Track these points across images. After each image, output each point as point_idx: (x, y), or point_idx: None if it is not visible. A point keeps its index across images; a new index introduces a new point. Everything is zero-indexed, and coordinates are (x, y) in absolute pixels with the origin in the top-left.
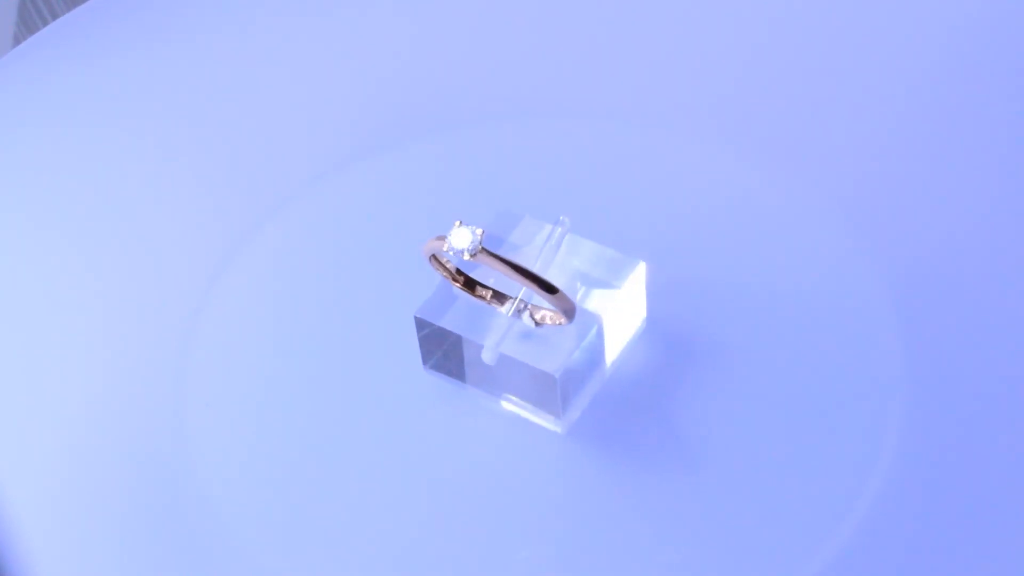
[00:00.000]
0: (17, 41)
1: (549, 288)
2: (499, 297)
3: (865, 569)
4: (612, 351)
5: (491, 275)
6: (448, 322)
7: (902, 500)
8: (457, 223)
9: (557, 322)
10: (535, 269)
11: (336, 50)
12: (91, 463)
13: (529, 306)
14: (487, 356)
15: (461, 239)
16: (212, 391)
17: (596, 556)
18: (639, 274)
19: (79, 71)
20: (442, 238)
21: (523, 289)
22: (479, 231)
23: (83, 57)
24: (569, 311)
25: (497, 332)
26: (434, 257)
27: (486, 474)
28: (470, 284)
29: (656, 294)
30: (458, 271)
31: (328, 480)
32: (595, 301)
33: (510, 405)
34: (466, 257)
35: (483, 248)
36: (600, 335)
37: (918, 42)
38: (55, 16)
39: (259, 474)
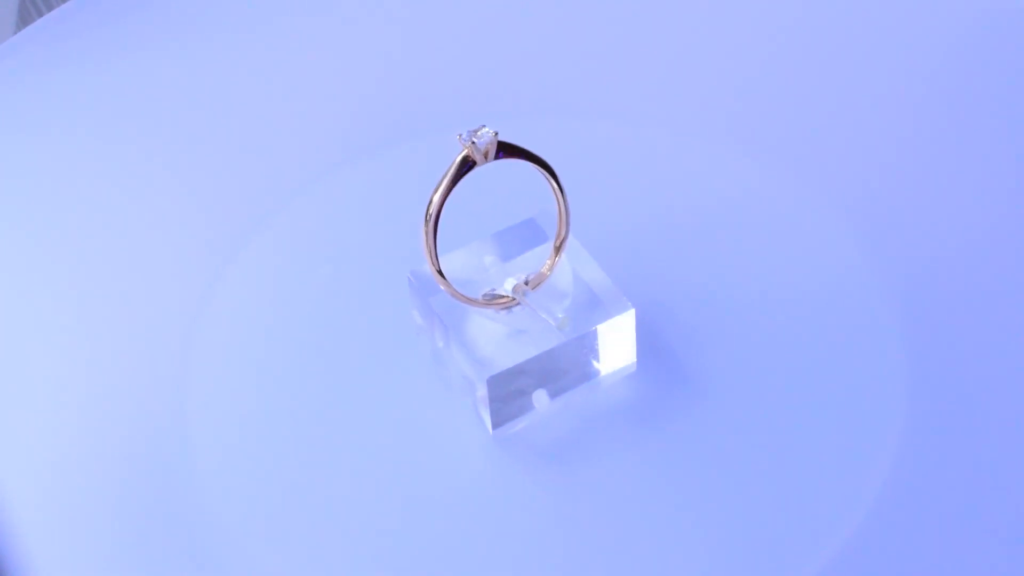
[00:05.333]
0: None
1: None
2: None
3: (865, 569)
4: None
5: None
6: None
7: (902, 502)
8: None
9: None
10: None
11: (333, 50)
12: (90, 464)
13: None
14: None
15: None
16: (210, 392)
17: (596, 555)
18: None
19: (73, 70)
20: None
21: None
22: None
23: (77, 56)
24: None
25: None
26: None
27: (486, 475)
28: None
29: (657, 294)
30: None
31: (328, 481)
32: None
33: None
34: (472, 150)
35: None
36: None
37: (924, 44)
38: None
39: (258, 475)
